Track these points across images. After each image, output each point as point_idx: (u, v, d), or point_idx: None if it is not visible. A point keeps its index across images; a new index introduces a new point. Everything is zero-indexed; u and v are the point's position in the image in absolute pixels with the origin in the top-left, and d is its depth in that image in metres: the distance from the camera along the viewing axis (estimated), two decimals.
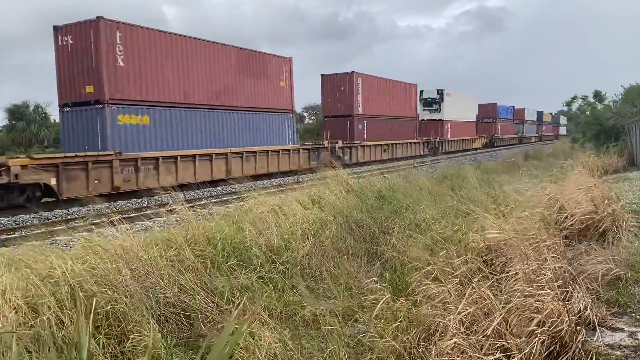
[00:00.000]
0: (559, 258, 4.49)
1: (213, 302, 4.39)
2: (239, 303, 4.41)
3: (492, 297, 3.08)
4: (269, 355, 3.31)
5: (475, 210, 6.15)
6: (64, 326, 3.40)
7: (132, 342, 3.45)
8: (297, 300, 4.61)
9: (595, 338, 3.68)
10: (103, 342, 3.43)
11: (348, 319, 4.24)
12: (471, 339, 2.86)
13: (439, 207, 7.78)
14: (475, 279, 3.67)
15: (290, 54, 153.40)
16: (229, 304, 4.40)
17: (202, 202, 12.79)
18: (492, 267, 4.47)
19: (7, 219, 12.06)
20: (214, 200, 13.79)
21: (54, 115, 37.78)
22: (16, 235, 9.43)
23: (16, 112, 34.36)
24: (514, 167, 17.41)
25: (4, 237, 9.21)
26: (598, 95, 38.46)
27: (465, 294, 3.23)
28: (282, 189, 13.07)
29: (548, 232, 4.59)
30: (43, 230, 9.06)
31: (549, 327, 2.84)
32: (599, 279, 4.76)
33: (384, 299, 3.60)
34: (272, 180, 20.44)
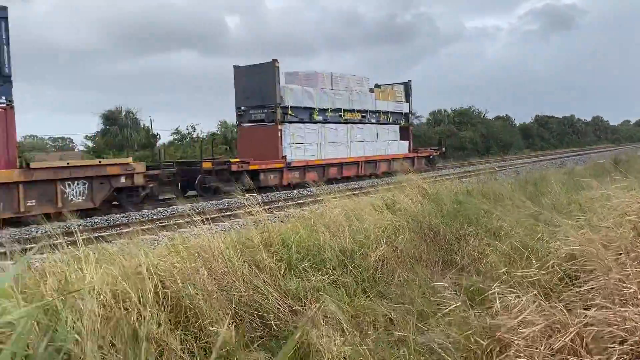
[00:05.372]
0: None
1: (286, 302, 4.48)
2: (311, 305, 4.48)
3: (564, 310, 2.92)
4: (340, 358, 3.34)
5: (559, 217, 5.86)
6: (145, 320, 3.61)
7: (208, 339, 3.60)
8: (368, 305, 4.61)
9: None
10: (181, 338, 3.61)
11: (419, 326, 4.18)
12: (540, 353, 2.73)
13: (520, 214, 7.47)
14: (555, 291, 3.49)
15: (348, 59, 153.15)
16: (302, 306, 4.48)
17: (279, 205, 13.07)
18: (574, 278, 4.24)
19: (100, 218, 12.96)
20: (290, 203, 14.04)
21: (144, 119, 40.03)
22: (107, 233, 10.10)
23: (110, 118, 36.78)
24: (603, 172, 16.35)
25: (96, 235, 9.90)
26: None
27: (542, 305, 3.09)
28: (356, 192, 13.09)
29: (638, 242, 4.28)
30: (132, 229, 9.64)
31: (632, 346, 2.65)
32: None
33: (455, 306, 3.52)
34: (347, 183, 20.52)
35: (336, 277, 5.13)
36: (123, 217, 13.15)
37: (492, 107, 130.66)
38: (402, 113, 28.67)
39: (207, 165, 18.41)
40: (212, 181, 17.87)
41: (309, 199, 14.47)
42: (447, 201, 8.22)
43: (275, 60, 20.93)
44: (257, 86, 21.23)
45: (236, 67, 22.21)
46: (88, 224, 11.72)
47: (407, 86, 29.39)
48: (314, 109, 22.64)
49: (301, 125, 22.05)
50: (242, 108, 22.23)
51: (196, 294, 3.99)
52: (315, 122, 22.71)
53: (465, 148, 45.90)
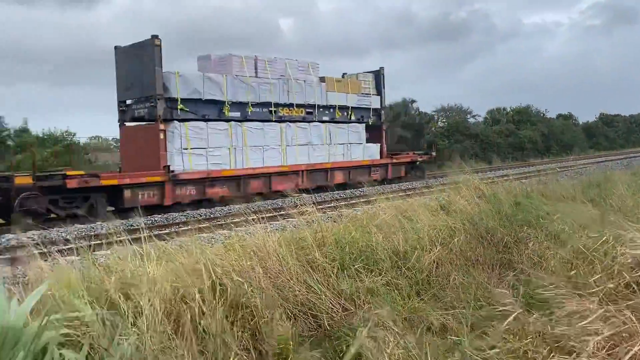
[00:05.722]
0: None
1: (339, 303, 4.50)
2: (365, 306, 4.48)
3: (633, 318, 2.77)
4: None
5: (625, 220, 5.57)
6: (204, 316, 3.71)
7: (263, 336, 3.67)
8: (422, 307, 4.55)
9: None
10: (238, 334, 3.69)
11: (475, 331, 4.09)
12: None
13: (583, 217, 7.17)
14: (621, 298, 3.33)
15: (400, 58, 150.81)
16: (355, 306, 4.48)
17: (332, 205, 13.11)
18: None
19: (160, 216, 13.43)
20: (343, 203, 14.07)
21: None
22: (166, 231, 10.45)
23: None
24: None
25: (156, 232, 10.27)
26: None
27: (608, 313, 2.95)
28: (409, 193, 12.95)
29: None
30: (189, 227, 9.95)
31: None
32: None
33: (513, 312, 3.42)
34: (401, 184, 20.35)
35: (389, 278, 5.10)
36: (182, 215, 13.58)
37: (552, 105, 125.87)
38: (369, 109, 22.17)
39: (23, 181, 12.60)
40: (37, 204, 12.50)
41: (361, 200, 14.44)
42: (506, 203, 8.00)
43: (155, 37, 15.16)
44: (138, 72, 15.73)
45: (117, 48, 16.52)
46: (149, 222, 12.17)
47: (378, 75, 22.94)
48: (223, 102, 16.65)
49: (202, 124, 16.16)
50: (127, 102, 16.58)
51: (252, 291, 4.07)
52: (228, 120, 16.81)
53: (524, 148, 44.41)
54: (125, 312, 3.32)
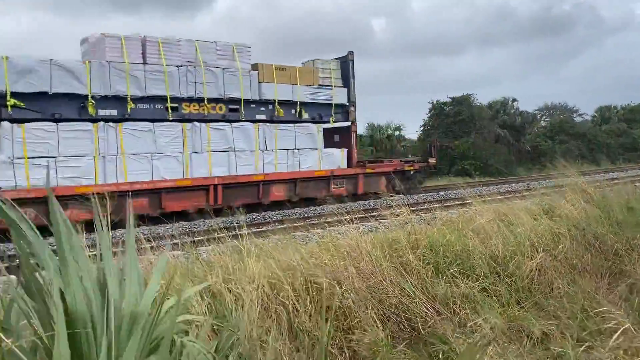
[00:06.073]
0: None
1: (434, 307, 4.42)
2: (460, 312, 4.36)
3: None
4: None
5: None
6: (298, 314, 3.81)
7: (356, 336, 3.70)
8: (522, 316, 4.35)
9: None
10: (332, 333, 3.75)
11: (581, 344, 3.84)
12: None
13: None
14: None
15: (499, 55, 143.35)
16: (450, 312, 4.38)
17: (425, 207, 12.89)
18: None
19: (257, 215, 13.95)
20: (437, 205, 13.77)
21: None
22: (263, 229, 10.83)
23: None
24: None
25: (253, 230, 10.68)
26: None
27: None
28: (508, 197, 12.39)
29: None
30: (285, 225, 10.25)
31: None
32: None
33: (623, 327, 3.17)
34: (499, 186, 19.56)
35: (487, 284, 4.92)
36: (278, 214, 14.02)
37: None
38: (330, 104, 17.38)
39: None
40: None
41: (456, 202, 14.06)
42: (617, 207, 7.42)
43: None
44: None
45: None
46: (247, 219, 12.68)
47: (345, 63, 17.92)
48: (86, 97, 12.92)
49: (49, 125, 12.44)
50: None
51: (344, 292, 4.11)
52: (95, 120, 13.12)
53: (638, 149, 40.82)
54: (229, 305, 3.49)
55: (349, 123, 18.19)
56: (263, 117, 15.94)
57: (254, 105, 15.73)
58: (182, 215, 13.53)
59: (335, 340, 3.79)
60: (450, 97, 36.18)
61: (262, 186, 15.08)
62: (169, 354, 1.71)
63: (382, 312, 4.25)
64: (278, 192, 15.53)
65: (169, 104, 14.08)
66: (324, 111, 17.33)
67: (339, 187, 16.84)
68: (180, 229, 11.64)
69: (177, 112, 14.33)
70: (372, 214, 11.68)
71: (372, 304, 4.16)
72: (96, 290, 1.64)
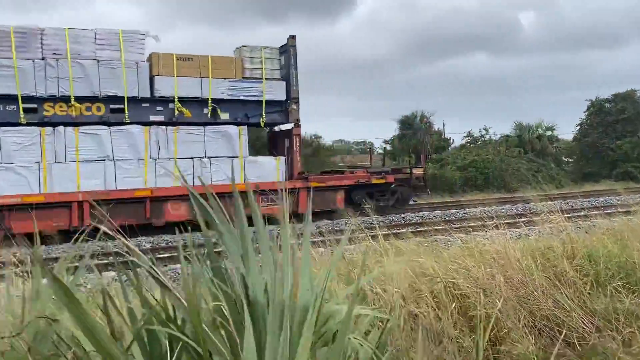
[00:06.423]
0: None
1: (592, 323, 4.04)
2: (624, 330, 3.94)
3: None
4: None
5: None
6: (441, 321, 3.73)
7: (506, 347, 3.52)
8: None
9: None
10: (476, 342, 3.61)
11: None
12: None
13: None
14: None
15: None
16: (612, 329, 3.97)
17: (582, 214, 11.85)
18: None
19: (397, 215, 13.92)
20: (595, 212, 12.58)
21: (437, 124, 40.90)
22: (403, 230, 10.79)
23: (406, 122, 38.92)
24: None
25: (394, 231, 10.68)
26: None
27: None
28: None
29: None
30: (426, 228, 10.11)
31: None
32: None
33: None
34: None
35: None
36: (417, 216, 13.86)
37: None
38: (260, 101, 14.14)
39: None
40: None
41: (619, 209, 12.69)
42: None
43: None
44: None
45: None
46: (387, 220, 12.73)
47: (285, 51, 14.43)
48: None
49: None
50: None
51: (491, 301, 3.93)
52: None
53: None
54: (371, 303, 3.53)
55: (289, 125, 14.80)
56: (160, 118, 13.19)
57: (147, 105, 13.07)
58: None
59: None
60: (612, 94, 33.09)
61: (150, 203, 12.43)
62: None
63: (532, 324, 4.00)
64: (176, 211, 12.65)
65: (21, 105, 11.80)
66: (251, 110, 14.19)
67: (268, 206, 11.80)
68: (325, 227, 12.04)
69: (36, 114, 12.08)
70: (520, 219, 11.02)
71: (522, 315, 3.93)
72: (274, 280, 1.70)
